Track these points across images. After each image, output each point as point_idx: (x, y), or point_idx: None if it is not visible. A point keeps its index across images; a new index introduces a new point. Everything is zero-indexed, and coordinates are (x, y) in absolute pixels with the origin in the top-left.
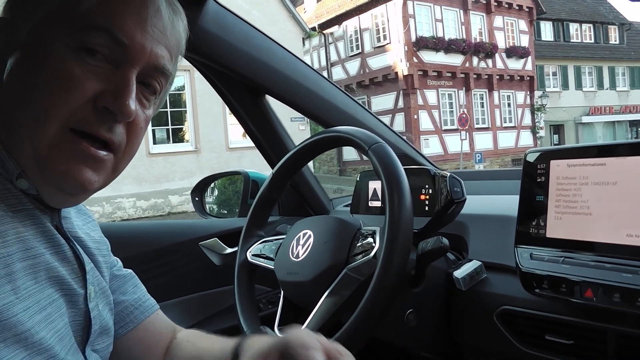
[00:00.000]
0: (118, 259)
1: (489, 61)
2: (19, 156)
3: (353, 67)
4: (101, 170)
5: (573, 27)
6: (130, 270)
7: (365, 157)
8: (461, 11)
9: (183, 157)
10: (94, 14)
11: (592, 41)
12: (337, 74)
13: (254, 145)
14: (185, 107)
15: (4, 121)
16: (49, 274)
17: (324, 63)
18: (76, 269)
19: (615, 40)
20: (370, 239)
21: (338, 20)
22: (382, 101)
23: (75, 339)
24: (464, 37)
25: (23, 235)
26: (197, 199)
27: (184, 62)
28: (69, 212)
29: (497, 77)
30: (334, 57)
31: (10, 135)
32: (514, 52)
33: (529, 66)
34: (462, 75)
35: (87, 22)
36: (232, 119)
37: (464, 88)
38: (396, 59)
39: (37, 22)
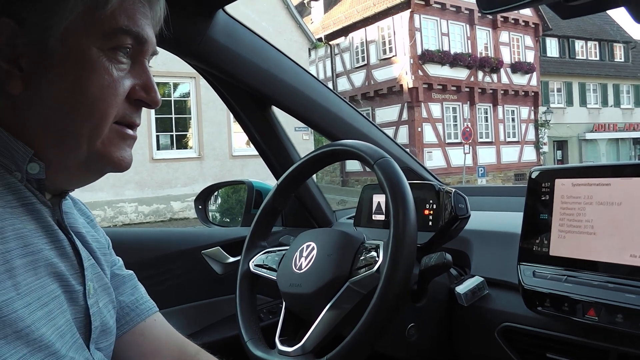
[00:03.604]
0: (120, 258)
1: (494, 76)
2: (35, 142)
3: (358, 78)
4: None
5: (578, 44)
6: (130, 271)
7: (368, 169)
8: (467, 26)
9: (186, 163)
10: (117, 15)
11: (598, 58)
12: (342, 85)
13: (257, 153)
14: (189, 114)
15: (34, 120)
16: (49, 270)
17: (329, 74)
18: (75, 264)
19: (621, 58)
20: (373, 253)
21: (344, 31)
22: (387, 113)
23: (78, 335)
24: (470, 51)
25: (22, 230)
26: (200, 207)
27: (189, 69)
28: (71, 208)
29: (502, 92)
30: (339, 68)
31: (55, 139)
32: (519, 67)
33: (533, 82)
34: (467, 89)
35: (114, 25)
36: (236, 127)
37: (468, 102)
38: (401, 72)
39: (65, 27)
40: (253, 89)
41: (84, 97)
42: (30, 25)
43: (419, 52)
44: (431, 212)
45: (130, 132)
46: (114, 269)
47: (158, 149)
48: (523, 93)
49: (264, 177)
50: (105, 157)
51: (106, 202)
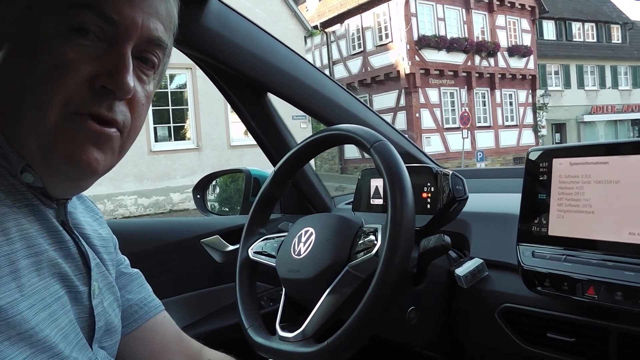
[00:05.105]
0: (125, 257)
1: (491, 60)
2: (23, 149)
3: (355, 65)
4: (107, 149)
5: (575, 26)
6: (137, 270)
7: (366, 155)
8: (463, 10)
9: (184, 154)
10: None
11: (595, 40)
12: (339, 72)
13: (255, 143)
14: (187, 105)
15: (5, 115)
16: (53, 271)
17: (325, 61)
18: (80, 265)
19: (618, 40)
20: (372, 237)
21: (340, 18)
22: (384, 100)
23: (82, 335)
24: (466, 35)
25: (27, 231)
26: (198, 196)
27: (186, 60)
28: (75, 207)
29: (499, 75)
30: (335, 55)
31: (13, 129)
32: (516, 51)
33: (531, 65)
34: (464, 74)
35: (71, 1)
36: (233, 117)
37: (465, 87)
38: (398, 58)
39: (21, 10)
40: (248, 76)
41: (30, 79)
42: None
43: (415, 37)
44: (429, 195)
45: (93, 124)
46: (120, 267)
47: (156, 140)
48: (520, 76)
49: (262, 167)
50: (57, 152)
51: (106, 195)
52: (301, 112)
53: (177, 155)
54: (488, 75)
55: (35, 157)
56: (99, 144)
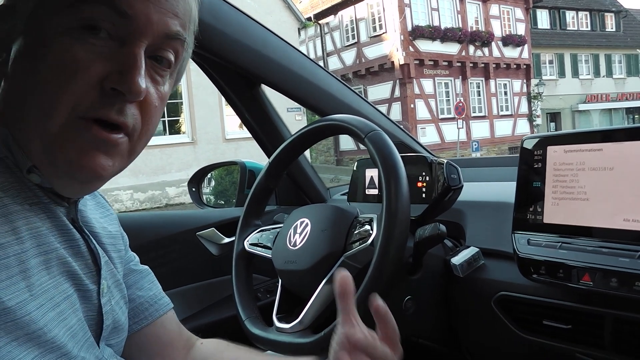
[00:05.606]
0: (135, 254)
1: (486, 50)
2: (30, 149)
3: (349, 56)
4: (115, 154)
5: (569, 15)
6: (146, 267)
7: (362, 147)
8: (457, 0)
9: (180, 148)
10: None
11: (589, 29)
12: (333, 63)
13: (250, 136)
14: (181, 99)
15: (14, 114)
16: (62, 269)
17: (319, 53)
18: (90, 263)
19: (612, 28)
20: (367, 227)
21: (334, 10)
22: (379, 91)
23: (89, 334)
24: (460, 25)
25: (37, 230)
26: (194, 189)
27: None
28: (85, 204)
29: (494, 65)
30: (329, 47)
31: (20, 128)
32: (510, 40)
33: (525, 54)
34: (459, 64)
35: None
36: (228, 110)
37: (460, 77)
38: (392, 48)
39: (35, 5)
40: (242, 68)
41: (37, 79)
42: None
43: (409, 28)
44: (424, 184)
45: (98, 130)
46: (130, 264)
47: None
48: (515, 66)
49: (257, 160)
50: (60, 156)
51: (101, 190)
52: (296, 104)
53: (172, 149)
54: (482, 65)
55: (41, 159)
56: (106, 150)
